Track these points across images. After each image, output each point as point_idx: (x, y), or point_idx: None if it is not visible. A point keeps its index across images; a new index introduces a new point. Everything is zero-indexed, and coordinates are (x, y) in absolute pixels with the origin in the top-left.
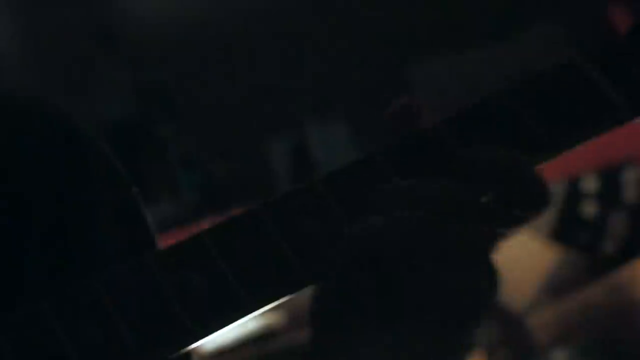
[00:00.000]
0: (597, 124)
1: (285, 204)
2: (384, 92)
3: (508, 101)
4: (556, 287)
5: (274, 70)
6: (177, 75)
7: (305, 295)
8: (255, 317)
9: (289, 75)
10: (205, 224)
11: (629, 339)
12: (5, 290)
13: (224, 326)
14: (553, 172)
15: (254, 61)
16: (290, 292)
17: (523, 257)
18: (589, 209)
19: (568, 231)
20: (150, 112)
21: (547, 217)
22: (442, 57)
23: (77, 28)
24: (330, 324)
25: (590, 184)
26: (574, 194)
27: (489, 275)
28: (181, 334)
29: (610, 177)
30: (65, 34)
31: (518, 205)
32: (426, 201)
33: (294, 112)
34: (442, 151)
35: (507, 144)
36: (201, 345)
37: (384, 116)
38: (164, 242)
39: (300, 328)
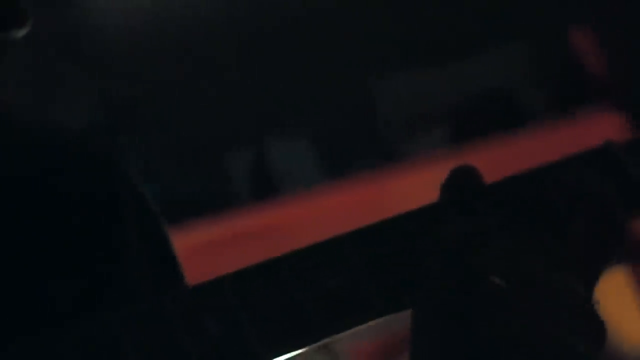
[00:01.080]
0: (628, 209)
1: (308, 257)
2: (347, 107)
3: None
4: None
5: (236, 83)
6: (139, 86)
7: None
8: None
9: (250, 88)
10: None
11: None
12: (24, 317)
13: None
14: None
15: (216, 74)
16: (306, 345)
17: None
18: None
19: None
20: (112, 122)
21: None
22: (407, 73)
23: (42, 33)
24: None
25: None
26: None
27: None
28: None
29: None
30: (30, 39)
31: None
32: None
33: (255, 126)
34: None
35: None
36: None
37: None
38: None
39: None
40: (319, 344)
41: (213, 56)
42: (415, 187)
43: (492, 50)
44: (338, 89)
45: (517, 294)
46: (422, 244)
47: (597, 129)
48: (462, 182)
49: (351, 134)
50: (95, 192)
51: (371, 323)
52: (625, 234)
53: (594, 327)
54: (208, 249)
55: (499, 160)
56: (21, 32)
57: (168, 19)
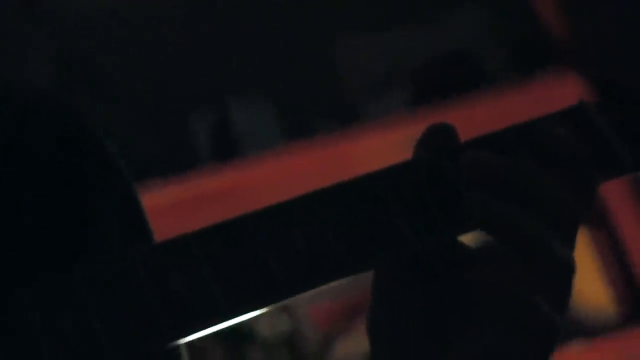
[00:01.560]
0: (598, 171)
1: (274, 215)
2: (309, 69)
3: (508, 142)
4: None
5: (197, 44)
6: (98, 45)
7: None
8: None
9: (212, 49)
10: None
11: None
12: None
13: (201, 330)
14: None
15: (176, 33)
16: (270, 304)
17: None
18: None
19: None
20: (70, 81)
21: None
22: (369, 34)
23: None
24: (389, 334)
25: None
26: None
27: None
28: (157, 335)
29: None
30: None
31: None
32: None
33: (217, 87)
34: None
35: None
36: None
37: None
38: None
39: None
40: (283, 303)
41: (173, 15)
42: (377, 148)
43: (454, 11)
44: (300, 50)
45: (487, 252)
46: (389, 204)
47: (559, 91)
48: (437, 140)
49: (313, 95)
50: (60, 147)
51: (336, 283)
52: (596, 192)
53: (562, 289)
54: (169, 209)
55: (459, 122)
56: None
57: None
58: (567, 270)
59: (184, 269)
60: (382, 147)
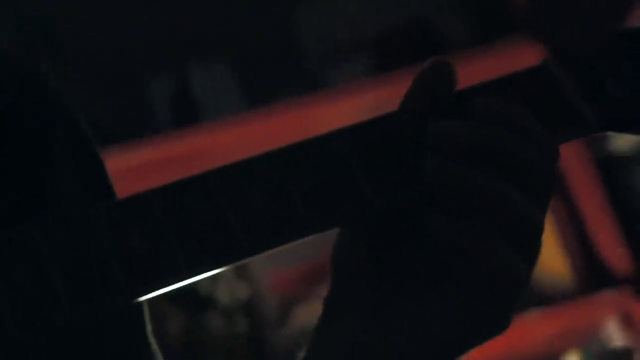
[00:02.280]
0: (561, 131)
1: (235, 174)
2: (270, 34)
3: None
4: None
5: (157, 9)
6: (59, 10)
7: None
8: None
9: (172, 15)
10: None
11: None
12: None
13: (160, 288)
14: None
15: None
16: (230, 263)
17: None
18: None
19: None
20: (30, 46)
21: None
22: (330, 2)
23: None
24: (352, 273)
25: None
26: None
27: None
28: (116, 292)
29: None
30: None
31: None
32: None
33: (178, 53)
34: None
35: None
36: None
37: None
38: None
39: None
40: (243, 269)
41: None
42: (337, 115)
43: None
44: (261, 16)
45: (455, 204)
46: (350, 162)
47: (519, 58)
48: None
49: (274, 61)
50: (22, 104)
51: (296, 244)
52: (558, 154)
53: (530, 243)
54: (129, 175)
55: None
56: None
57: None
58: (534, 226)
59: (143, 226)
60: (342, 114)
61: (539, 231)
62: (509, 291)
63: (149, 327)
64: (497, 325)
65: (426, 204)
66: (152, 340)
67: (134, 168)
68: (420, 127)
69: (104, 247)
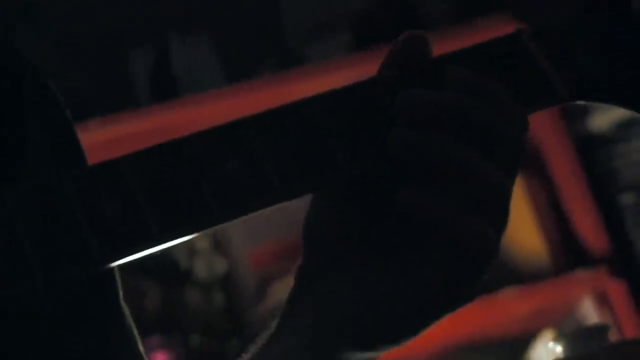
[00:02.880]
0: (532, 100)
1: (207, 139)
2: (251, 10)
3: (447, 66)
4: None
5: None
6: None
7: None
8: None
9: None
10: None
11: None
12: None
13: (132, 254)
14: None
15: None
16: (203, 229)
17: None
18: None
19: None
20: (10, 19)
21: None
22: None
23: None
24: (324, 240)
25: None
26: None
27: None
28: (88, 259)
29: None
30: None
31: None
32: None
33: (158, 26)
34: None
35: None
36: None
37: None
38: None
39: None
40: (220, 244)
41: None
42: (316, 91)
43: None
44: None
45: (423, 173)
46: (324, 128)
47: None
48: (410, 52)
49: (255, 37)
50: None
51: (275, 218)
52: (527, 124)
53: (498, 211)
54: (108, 149)
55: None
56: None
57: None
58: (502, 192)
59: (115, 192)
60: (322, 90)
61: (507, 199)
62: (477, 259)
63: (120, 294)
64: (465, 293)
65: (396, 173)
66: (125, 307)
67: (113, 142)
68: (392, 96)
69: (76, 214)
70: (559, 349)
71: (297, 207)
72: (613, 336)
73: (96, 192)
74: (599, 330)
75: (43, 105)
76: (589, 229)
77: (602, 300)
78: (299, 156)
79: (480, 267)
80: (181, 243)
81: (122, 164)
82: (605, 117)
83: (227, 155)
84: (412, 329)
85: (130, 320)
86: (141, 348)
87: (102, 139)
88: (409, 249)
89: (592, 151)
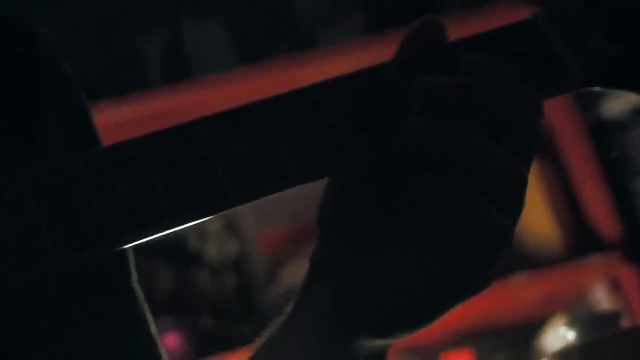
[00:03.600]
0: (547, 86)
1: (222, 122)
2: None
3: (463, 52)
4: None
5: None
6: None
7: None
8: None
9: None
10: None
11: None
12: None
13: (145, 237)
14: None
15: None
16: (216, 212)
17: None
18: None
19: None
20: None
21: None
22: None
23: None
24: (338, 227)
25: None
26: None
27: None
28: (101, 240)
29: None
30: None
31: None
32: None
33: (171, 7)
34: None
35: None
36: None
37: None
38: None
39: None
40: (233, 227)
41: None
42: (329, 74)
43: None
44: None
45: (438, 160)
46: (336, 113)
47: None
48: (426, 36)
49: (267, 19)
50: (7, 50)
51: (287, 202)
52: (542, 111)
53: (513, 200)
54: (121, 130)
55: None
56: None
57: None
58: (518, 180)
59: (129, 174)
60: (335, 73)
61: (523, 188)
62: (491, 248)
63: (134, 276)
64: (478, 282)
65: (411, 159)
66: (138, 289)
67: (125, 123)
68: (408, 80)
69: (89, 195)
70: (571, 334)
71: (309, 191)
72: (625, 322)
73: (109, 174)
74: (611, 317)
75: (58, 86)
76: (602, 214)
77: (615, 286)
78: (313, 139)
79: (494, 256)
80: (193, 225)
81: (135, 145)
82: (619, 103)
83: (240, 137)
84: (427, 317)
85: (143, 302)
86: (154, 329)
87: (114, 121)
88: (422, 237)
89: (605, 136)
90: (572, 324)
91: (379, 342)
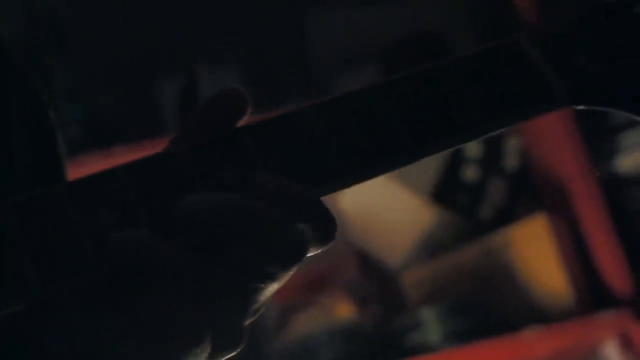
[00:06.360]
0: (531, 106)
1: (203, 151)
2: (279, 41)
3: (447, 75)
4: (431, 247)
5: (169, 9)
6: (68, 3)
7: None
8: None
9: (182, 17)
10: (89, 160)
11: (493, 300)
12: None
13: None
14: None
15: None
16: None
17: (401, 215)
18: (471, 173)
19: (448, 193)
20: (37, 37)
21: (428, 178)
22: (340, 10)
23: None
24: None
25: (473, 150)
26: (457, 158)
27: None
28: (85, 268)
29: (493, 144)
30: None
31: None
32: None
33: (187, 53)
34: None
35: (441, 116)
36: None
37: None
38: None
39: None
40: None
41: None
42: None
43: None
44: (271, 22)
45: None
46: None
47: None
48: None
49: (282, 67)
50: None
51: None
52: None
53: (322, 219)
54: None
55: None
56: None
57: None
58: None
59: (112, 202)
60: None
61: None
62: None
63: None
64: None
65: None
66: None
67: None
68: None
69: (73, 224)
70: None
71: None
72: None
73: (92, 202)
74: None
75: (28, 111)
76: (614, 270)
77: (626, 343)
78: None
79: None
80: None
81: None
82: (632, 159)
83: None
84: None
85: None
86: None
87: None
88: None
89: (618, 192)
90: None
91: None
